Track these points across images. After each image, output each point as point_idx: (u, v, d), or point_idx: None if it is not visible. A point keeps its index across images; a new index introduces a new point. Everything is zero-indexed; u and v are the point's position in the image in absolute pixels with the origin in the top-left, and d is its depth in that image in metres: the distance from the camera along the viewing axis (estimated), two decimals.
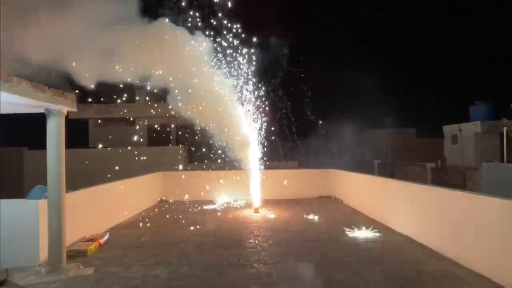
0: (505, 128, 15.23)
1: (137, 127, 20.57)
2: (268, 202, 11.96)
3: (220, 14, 10.25)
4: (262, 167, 11.67)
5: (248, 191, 11.62)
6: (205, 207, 11.65)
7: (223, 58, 10.75)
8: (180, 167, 16.01)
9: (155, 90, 10.15)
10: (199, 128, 11.13)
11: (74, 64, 6.78)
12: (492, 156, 17.05)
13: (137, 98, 21.38)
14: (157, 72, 9.18)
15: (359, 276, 5.31)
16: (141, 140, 19.71)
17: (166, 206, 11.95)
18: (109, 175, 10.44)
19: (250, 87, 11.20)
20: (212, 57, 10.49)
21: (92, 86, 7.39)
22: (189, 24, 9.86)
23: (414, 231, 7.34)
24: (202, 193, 12.87)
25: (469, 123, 19.90)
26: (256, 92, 11.30)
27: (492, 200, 5.24)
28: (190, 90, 10.08)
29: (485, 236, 5.29)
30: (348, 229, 8.05)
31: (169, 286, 5.06)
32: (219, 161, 12.70)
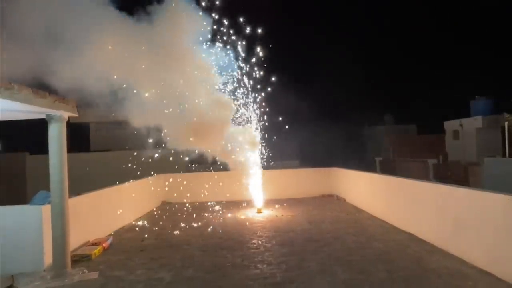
0: (506, 123, 15.21)
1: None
2: (270, 202, 11.97)
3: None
4: (262, 167, 11.68)
5: (249, 191, 11.63)
6: (207, 208, 11.66)
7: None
8: (182, 168, 16.00)
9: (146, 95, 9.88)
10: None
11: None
12: (494, 151, 17.02)
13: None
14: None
15: (364, 275, 5.31)
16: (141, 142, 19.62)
17: (168, 208, 11.97)
18: (111, 179, 10.45)
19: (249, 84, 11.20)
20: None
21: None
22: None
23: (417, 228, 7.34)
24: (204, 195, 12.90)
25: (470, 118, 19.87)
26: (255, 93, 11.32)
27: (495, 196, 5.24)
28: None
29: (489, 232, 5.29)
30: None
31: None
32: (219, 163, 12.67)
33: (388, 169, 19.41)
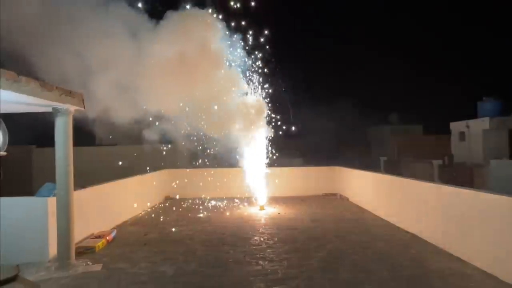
0: None
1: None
2: (273, 200, 11.99)
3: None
4: (267, 165, 11.68)
5: (252, 188, 11.64)
6: (210, 204, 11.71)
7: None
8: (186, 164, 16.06)
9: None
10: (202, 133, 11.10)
11: None
12: (501, 153, 16.86)
13: None
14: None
15: (365, 273, 5.31)
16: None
17: (172, 203, 12.04)
18: (116, 173, 10.53)
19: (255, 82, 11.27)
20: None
21: None
22: None
23: (420, 228, 7.32)
24: (207, 191, 12.94)
25: (477, 120, 19.66)
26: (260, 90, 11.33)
27: (499, 198, 5.20)
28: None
29: (492, 233, 5.26)
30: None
31: (176, 282, 5.11)
32: (217, 156, 12.66)
33: (393, 169, 19.31)
